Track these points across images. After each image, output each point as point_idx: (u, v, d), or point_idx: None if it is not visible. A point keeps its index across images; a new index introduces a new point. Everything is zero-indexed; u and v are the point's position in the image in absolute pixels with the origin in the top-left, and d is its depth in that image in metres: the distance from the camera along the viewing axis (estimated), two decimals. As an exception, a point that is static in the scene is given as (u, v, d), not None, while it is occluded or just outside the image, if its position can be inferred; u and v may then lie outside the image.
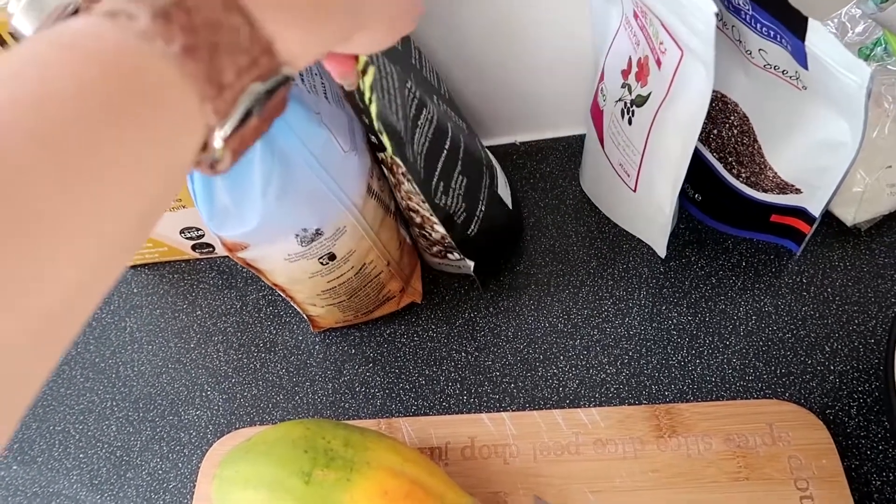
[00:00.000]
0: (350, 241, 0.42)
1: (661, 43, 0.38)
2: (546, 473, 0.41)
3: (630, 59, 0.42)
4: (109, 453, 0.47)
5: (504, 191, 0.49)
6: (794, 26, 0.34)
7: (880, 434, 0.42)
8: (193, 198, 0.36)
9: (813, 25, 0.33)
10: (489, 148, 0.52)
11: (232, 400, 0.48)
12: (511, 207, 0.50)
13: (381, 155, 0.42)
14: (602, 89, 0.46)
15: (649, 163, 0.43)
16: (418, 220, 0.45)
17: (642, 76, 0.41)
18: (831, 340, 0.45)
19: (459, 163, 0.43)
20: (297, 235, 0.39)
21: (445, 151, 0.41)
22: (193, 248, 0.54)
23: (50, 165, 0.15)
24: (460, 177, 0.43)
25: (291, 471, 0.34)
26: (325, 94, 0.40)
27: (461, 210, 0.43)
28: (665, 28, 0.37)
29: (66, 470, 0.47)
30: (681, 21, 0.35)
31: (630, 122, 0.43)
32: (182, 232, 0.52)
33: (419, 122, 0.39)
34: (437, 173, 0.41)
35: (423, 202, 0.42)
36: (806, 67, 0.37)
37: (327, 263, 0.42)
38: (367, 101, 0.36)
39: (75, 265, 0.16)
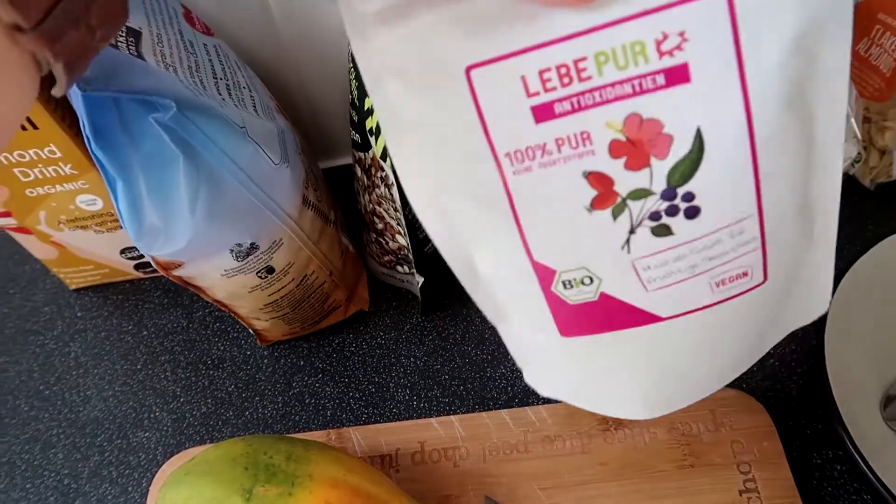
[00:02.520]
0: (288, 254, 0.42)
1: (661, 44, 0.22)
2: (495, 473, 0.42)
3: (589, 175, 0.25)
4: (57, 482, 0.46)
5: None
6: None
7: (819, 413, 0.43)
8: (119, 218, 0.36)
9: None
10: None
11: (181, 420, 0.48)
12: None
13: (359, 154, 0.42)
14: (568, 281, 0.28)
15: (778, 194, 0.26)
16: (380, 226, 0.45)
17: (646, 149, 0.24)
18: (770, 324, 0.46)
19: None
20: (232, 251, 0.39)
21: None
22: (136, 267, 0.53)
23: None
24: None
25: (232, 489, 0.34)
26: (254, 107, 0.40)
27: None
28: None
29: (13, 502, 0.46)
30: None
31: (695, 212, 0.25)
32: (123, 252, 0.51)
33: None
34: None
35: (395, 210, 0.42)
36: None
37: (266, 277, 0.42)
38: (370, 99, 0.36)
39: None
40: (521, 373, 0.46)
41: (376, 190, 0.42)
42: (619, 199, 0.25)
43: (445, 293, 0.50)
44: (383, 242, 0.46)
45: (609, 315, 0.29)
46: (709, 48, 0.22)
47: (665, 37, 0.22)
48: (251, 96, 0.41)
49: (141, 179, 0.35)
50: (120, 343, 0.52)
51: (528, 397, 0.45)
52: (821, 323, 0.40)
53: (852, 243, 0.43)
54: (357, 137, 0.41)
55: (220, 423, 0.47)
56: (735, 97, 0.23)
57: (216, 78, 0.38)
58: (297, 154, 0.42)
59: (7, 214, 0.46)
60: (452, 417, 0.44)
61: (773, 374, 0.45)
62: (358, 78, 0.39)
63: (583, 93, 0.23)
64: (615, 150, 0.24)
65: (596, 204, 0.25)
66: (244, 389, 0.49)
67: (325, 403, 0.47)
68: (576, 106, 0.23)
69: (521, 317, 0.31)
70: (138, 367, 0.51)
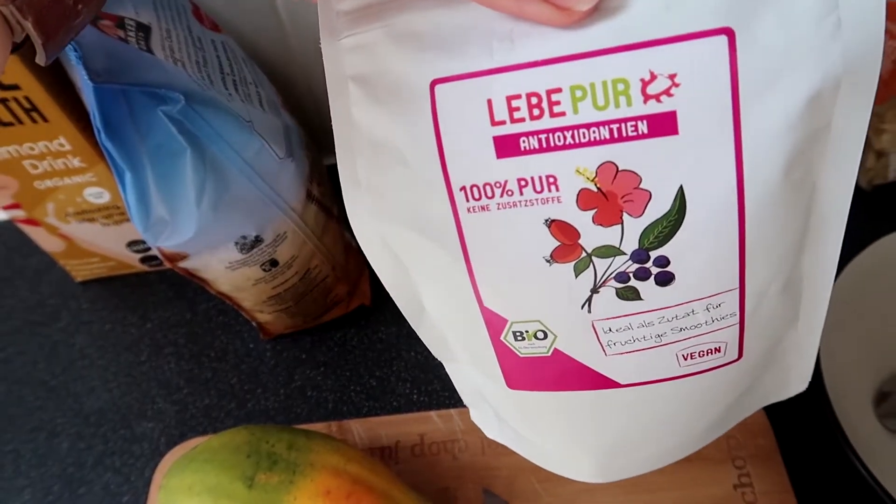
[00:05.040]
0: (292, 247, 0.42)
1: (647, 86, 0.19)
2: (494, 466, 0.42)
3: (552, 223, 0.22)
4: (62, 470, 0.47)
5: None
6: None
7: (813, 409, 0.43)
8: (128, 210, 0.36)
9: None
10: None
11: (184, 411, 0.49)
12: None
13: None
14: (519, 332, 0.25)
15: (764, 272, 0.23)
16: None
17: (618, 205, 0.21)
18: (767, 323, 0.47)
19: None
20: (237, 243, 0.40)
21: None
22: (142, 261, 0.54)
23: None
24: None
25: (234, 476, 0.34)
26: (260, 102, 0.41)
27: None
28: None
29: (18, 490, 0.47)
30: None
31: (667, 279, 0.23)
32: (129, 245, 0.52)
33: None
34: None
35: None
36: None
37: (270, 270, 0.42)
38: None
39: None
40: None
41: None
42: (583, 254, 0.22)
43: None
44: (385, 238, 0.47)
45: (562, 374, 0.26)
46: (702, 97, 0.19)
47: (653, 77, 0.19)
48: (257, 92, 0.41)
49: (149, 171, 0.35)
50: (125, 335, 0.53)
51: (527, 392, 0.46)
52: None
53: (848, 244, 0.43)
54: None
55: (222, 414, 0.48)
56: (727, 158, 0.20)
57: (223, 73, 0.39)
58: (302, 149, 0.43)
59: (16, 206, 0.47)
60: (452, 411, 0.45)
61: (769, 371, 0.45)
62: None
63: (553, 130, 0.20)
64: (584, 200, 0.21)
65: (557, 255, 0.22)
66: (247, 382, 0.49)
67: (326, 396, 0.48)
68: (544, 145, 0.20)
69: (468, 359, 0.28)
70: (142, 358, 0.51)
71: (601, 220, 0.21)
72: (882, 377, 0.42)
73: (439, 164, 0.22)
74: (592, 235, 0.22)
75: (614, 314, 0.24)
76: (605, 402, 0.26)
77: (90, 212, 0.48)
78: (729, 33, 0.18)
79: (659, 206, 0.21)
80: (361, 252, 0.51)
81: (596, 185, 0.21)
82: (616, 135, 0.20)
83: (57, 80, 0.40)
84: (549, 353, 0.25)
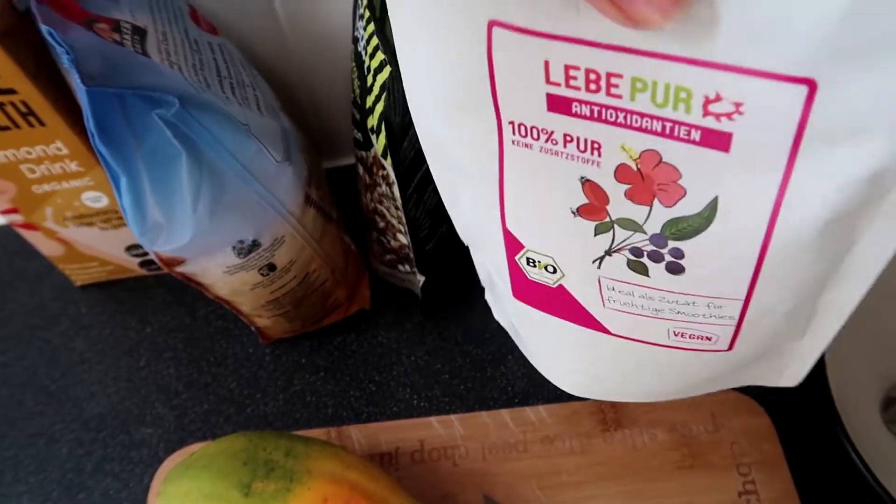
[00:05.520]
0: (290, 251, 0.42)
1: (710, 103, 0.18)
2: (494, 472, 0.42)
3: (585, 182, 0.23)
4: (61, 476, 0.47)
5: None
6: None
7: (818, 415, 0.42)
8: (124, 215, 0.36)
9: None
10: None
11: (183, 416, 0.48)
12: None
13: (361, 153, 0.42)
14: (531, 259, 0.27)
15: (773, 299, 0.24)
16: (382, 224, 0.45)
17: (651, 191, 0.22)
18: (772, 327, 0.46)
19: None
20: (234, 247, 0.39)
21: (425, 166, 0.41)
22: (141, 265, 0.54)
23: None
24: (432, 194, 0.43)
25: (231, 483, 0.34)
26: (258, 105, 0.40)
27: (426, 225, 0.43)
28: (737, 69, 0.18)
29: (17, 495, 0.46)
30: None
31: (678, 270, 0.24)
32: (128, 249, 0.52)
33: (410, 132, 0.39)
34: (414, 184, 0.41)
35: (396, 208, 0.42)
36: None
37: (268, 274, 0.42)
38: (373, 98, 0.37)
39: None
40: (520, 372, 0.47)
41: (377, 188, 0.42)
42: (607, 219, 0.23)
43: (446, 293, 0.50)
44: (385, 241, 0.46)
45: (562, 305, 0.28)
46: (763, 133, 0.19)
47: (718, 98, 0.18)
48: (255, 95, 0.41)
49: (144, 175, 0.35)
50: (124, 339, 0.52)
51: (528, 398, 0.46)
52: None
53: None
54: (359, 136, 0.41)
55: (221, 419, 0.48)
56: (768, 195, 0.20)
57: (220, 76, 0.39)
58: (300, 153, 0.42)
59: (14, 210, 0.46)
60: (452, 416, 0.44)
61: (774, 376, 0.44)
62: (360, 77, 0.39)
63: (607, 107, 0.20)
64: (622, 174, 0.22)
65: (583, 212, 0.23)
66: (246, 387, 0.49)
67: (325, 401, 0.47)
68: (595, 115, 0.20)
69: (486, 257, 0.31)
70: (142, 363, 0.51)
71: (632, 196, 0.22)
72: (890, 382, 0.41)
73: (491, 97, 0.22)
74: (621, 206, 0.22)
75: (621, 279, 0.25)
76: (593, 341, 0.28)
77: (88, 216, 0.48)
78: (811, 85, 0.17)
79: (690, 206, 0.21)
80: (361, 256, 0.51)
81: (637, 165, 0.21)
82: (668, 132, 0.20)
83: (54, 84, 0.39)
84: (555, 286, 0.27)
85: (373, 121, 0.38)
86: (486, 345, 0.48)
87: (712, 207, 0.21)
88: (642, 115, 0.20)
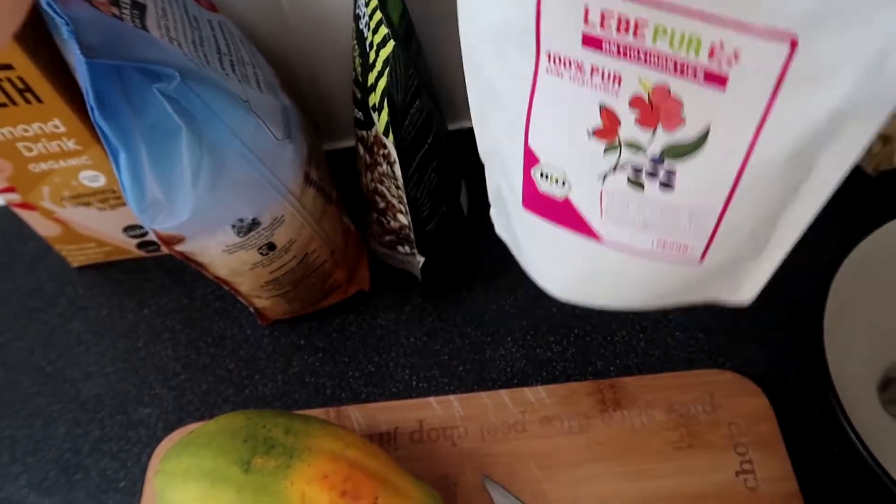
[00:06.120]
0: (289, 231, 0.42)
1: (715, 50, 0.24)
2: (493, 452, 0.42)
3: (605, 109, 0.27)
4: (58, 456, 0.47)
5: (464, 200, 0.49)
6: None
7: (816, 395, 0.43)
8: (122, 190, 0.36)
9: None
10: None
11: (181, 396, 0.48)
12: (466, 217, 0.50)
13: (362, 132, 0.42)
14: (544, 173, 0.32)
15: (741, 218, 0.29)
16: (382, 205, 0.45)
17: (657, 118, 0.27)
18: (770, 308, 0.46)
19: (436, 160, 0.43)
20: (234, 226, 0.39)
21: (427, 145, 0.41)
22: (139, 246, 0.54)
23: None
24: (433, 174, 0.43)
25: (231, 460, 0.34)
26: (258, 83, 0.40)
27: (426, 205, 0.43)
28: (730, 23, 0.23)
29: (14, 475, 0.46)
30: None
31: (670, 186, 0.29)
32: (126, 230, 0.51)
33: (411, 111, 0.39)
34: (415, 163, 0.41)
35: (397, 188, 0.42)
36: None
37: (267, 253, 0.42)
38: (375, 74, 0.37)
39: None
40: (519, 353, 0.47)
41: (378, 168, 0.42)
42: (616, 141, 0.28)
43: (446, 275, 0.50)
44: (385, 222, 0.46)
45: (564, 214, 0.33)
46: (751, 78, 0.24)
47: (721, 46, 0.23)
48: (255, 72, 0.41)
49: (143, 151, 0.35)
50: (122, 321, 0.52)
51: (527, 378, 0.46)
52: (820, 306, 0.40)
53: (853, 229, 0.43)
54: (360, 115, 0.41)
55: (219, 400, 0.48)
56: (750, 127, 0.25)
57: (220, 53, 0.38)
58: (300, 132, 0.42)
59: (11, 189, 0.46)
60: (451, 397, 0.44)
61: (772, 357, 0.45)
62: (362, 54, 0.39)
63: (632, 47, 0.25)
64: (635, 102, 0.27)
65: (597, 133, 0.29)
66: (244, 367, 0.49)
67: (324, 382, 0.47)
68: (621, 53, 0.25)
69: (501, 172, 0.35)
70: (139, 344, 0.51)
71: (641, 122, 0.27)
72: (888, 363, 0.41)
73: (534, 28, 0.26)
74: (630, 130, 0.27)
75: (620, 193, 0.30)
76: (586, 247, 0.34)
77: (86, 196, 0.47)
78: (793, 44, 0.22)
79: (686, 133, 0.26)
80: (360, 237, 0.51)
81: (649, 96, 0.26)
82: (678, 71, 0.25)
83: (51, 61, 0.39)
84: (562, 199, 0.32)
85: (375, 98, 0.38)
86: (485, 326, 0.48)
87: (704, 135, 0.26)
88: (660, 55, 0.24)
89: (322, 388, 0.47)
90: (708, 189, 0.28)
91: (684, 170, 0.28)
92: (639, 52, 0.25)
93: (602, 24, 0.25)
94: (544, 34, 0.26)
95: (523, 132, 0.31)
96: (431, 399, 0.44)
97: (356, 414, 0.44)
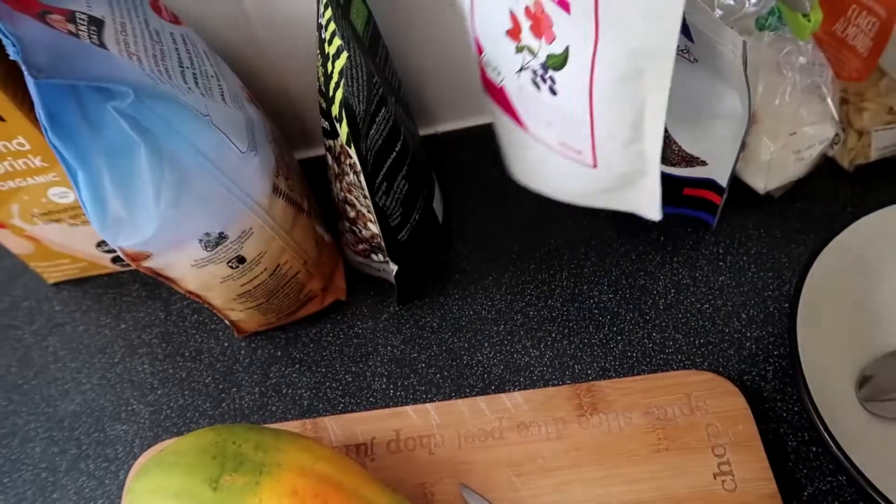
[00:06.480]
0: (259, 243, 0.41)
1: None
2: (470, 460, 0.41)
3: (511, 13, 0.36)
4: (35, 475, 0.46)
5: (438, 206, 0.49)
6: None
7: (794, 396, 0.42)
8: (84, 209, 0.35)
9: None
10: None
11: (158, 412, 0.48)
12: (441, 223, 0.49)
13: (329, 142, 0.42)
14: (486, 62, 0.40)
15: (608, 130, 0.37)
16: (352, 214, 0.45)
17: (540, 29, 0.35)
18: (748, 307, 0.46)
19: (405, 167, 0.42)
20: (201, 241, 0.39)
21: (395, 153, 0.41)
22: (113, 260, 0.53)
23: None
24: (403, 181, 0.42)
25: (199, 478, 0.34)
26: (222, 95, 0.40)
27: (397, 214, 0.43)
28: None
29: (-8, 496, 0.46)
30: None
31: (554, 92, 0.36)
32: (99, 245, 0.51)
33: (377, 119, 0.39)
34: (383, 172, 0.40)
35: (365, 197, 0.41)
36: (692, 40, 0.37)
37: (237, 267, 0.41)
38: (333, 85, 0.37)
39: None
40: (496, 359, 0.46)
41: (346, 177, 0.42)
42: (521, 43, 0.36)
43: (421, 282, 0.50)
44: (357, 231, 0.46)
45: (503, 101, 0.41)
46: (581, 6, 0.32)
47: None
48: (219, 84, 0.40)
49: (104, 169, 0.34)
50: (98, 336, 0.52)
51: (505, 384, 0.45)
52: (794, 305, 0.40)
53: (831, 224, 0.42)
54: (326, 125, 0.41)
55: (196, 414, 0.47)
56: (588, 52, 0.33)
57: (182, 67, 0.38)
58: (268, 143, 0.42)
59: (-21, 208, 0.46)
60: (428, 405, 0.44)
61: (749, 357, 0.44)
62: (324, 65, 0.38)
63: None
64: (527, 14, 0.35)
65: (510, 34, 0.37)
66: (221, 381, 0.48)
67: (301, 393, 0.47)
68: None
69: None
70: (116, 360, 0.51)
71: (532, 30, 0.35)
72: (865, 359, 0.41)
73: None
74: (527, 36, 0.36)
75: (527, 90, 0.39)
76: (515, 134, 0.43)
77: (56, 212, 0.47)
78: None
79: (556, 47, 0.35)
80: (335, 246, 0.51)
81: (533, 9, 0.34)
82: None
83: (13, 79, 0.39)
84: (499, 86, 0.41)
85: (335, 109, 0.37)
86: (462, 332, 0.48)
87: (566, 51, 0.34)
88: None
89: (299, 400, 0.47)
90: (575, 98, 0.36)
91: (560, 78, 0.36)
92: None
93: None
94: None
95: (471, 21, 0.40)
96: (408, 408, 0.44)
97: (333, 425, 0.44)
